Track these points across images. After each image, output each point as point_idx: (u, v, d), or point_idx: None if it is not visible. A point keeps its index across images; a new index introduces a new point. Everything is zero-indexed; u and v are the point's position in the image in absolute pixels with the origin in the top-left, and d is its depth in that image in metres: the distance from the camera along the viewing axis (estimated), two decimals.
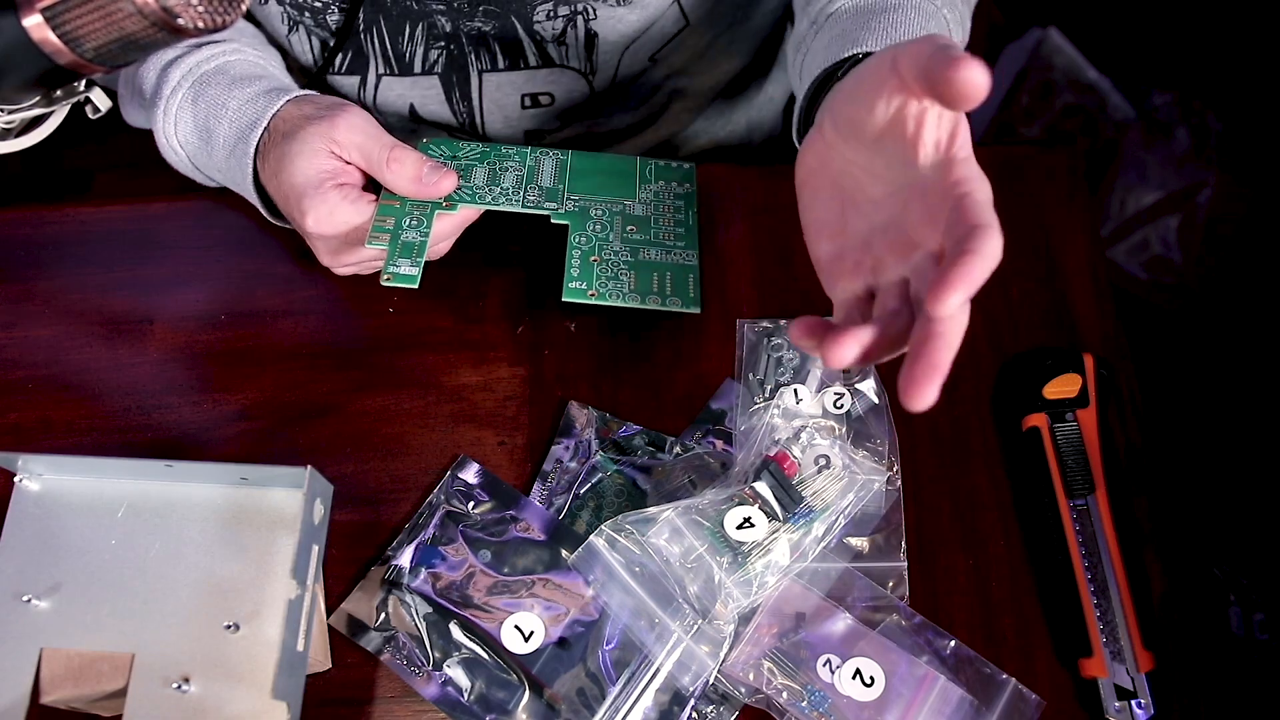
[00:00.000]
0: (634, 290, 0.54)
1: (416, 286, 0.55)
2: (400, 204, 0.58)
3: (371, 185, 0.58)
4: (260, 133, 0.57)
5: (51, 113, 0.52)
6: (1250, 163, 1.26)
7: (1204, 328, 1.24)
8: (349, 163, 0.57)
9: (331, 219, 0.55)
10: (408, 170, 0.56)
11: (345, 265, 0.60)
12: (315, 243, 0.58)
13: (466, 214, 0.59)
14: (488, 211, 0.59)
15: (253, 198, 0.60)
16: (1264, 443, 1.13)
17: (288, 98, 0.59)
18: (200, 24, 0.41)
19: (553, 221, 0.59)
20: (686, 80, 0.76)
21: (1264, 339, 1.19)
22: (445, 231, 0.58)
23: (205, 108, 0.59)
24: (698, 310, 0.57)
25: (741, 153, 0.84)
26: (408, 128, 0.74)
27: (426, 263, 0.56)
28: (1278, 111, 1.25)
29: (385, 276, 0.55)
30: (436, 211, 0.58)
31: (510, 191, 0.59)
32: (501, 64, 0.67)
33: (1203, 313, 1.25)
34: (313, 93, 0.60)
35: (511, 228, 0.64)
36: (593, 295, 0.54)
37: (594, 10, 0.64)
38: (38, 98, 0.49)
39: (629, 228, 0.57)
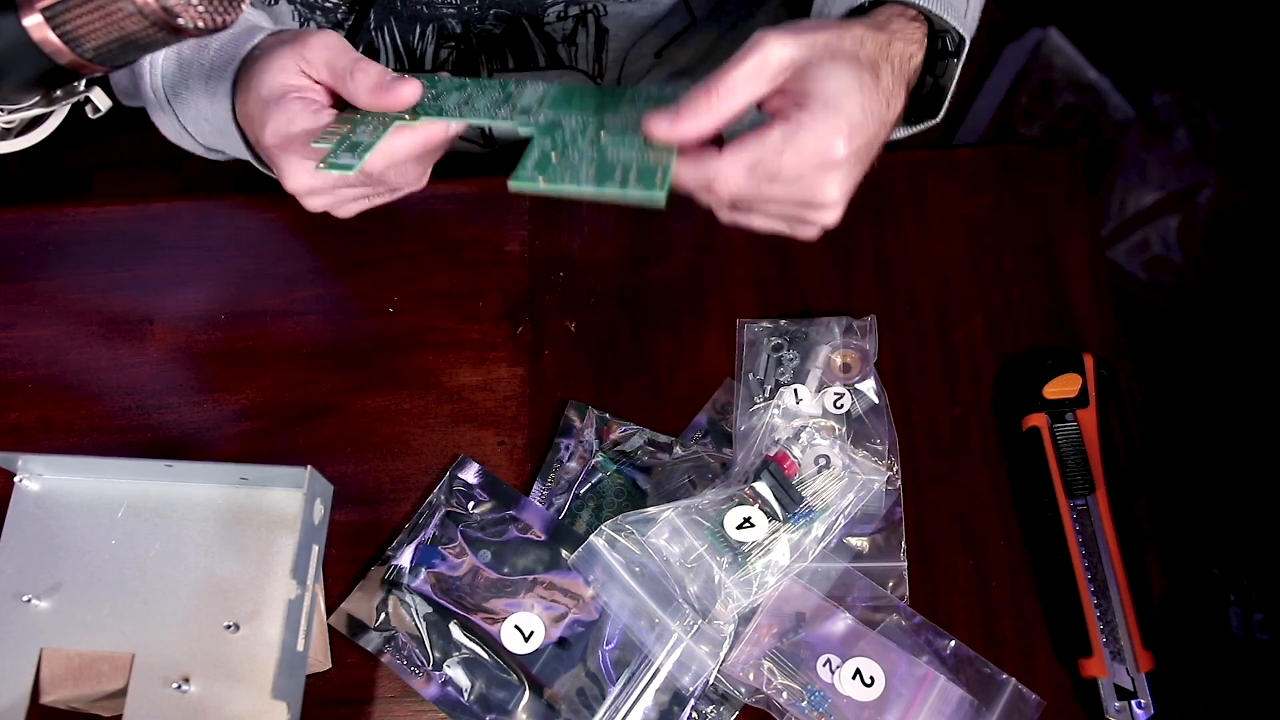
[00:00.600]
0: (591, 180, 0.46)
1: (353, 172, 0.49)
2: (360, 115, 0.53)
3: (339, 107, 0.54)
4: (238, 61, 0.56)
5: (51, 113, 0.52)
6: (1250, 163, 1.26)
7: (1204, 328, 1.24)
8: (317, 82, 0.54)
9: (290, 127, 0.52)
10: (370, 78, 0.52)
11: (315, 195, 0.55)
12: (278, 159, 0.54)
13: (430, 130, 0.53)
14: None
15: (239, 138, 0.58)
16: (1264, 443, 1.13)
17: (264, 32, 0.57)
18: (200, 24, 0.41)
19: (521, 134, 0.51)
20: (690, 79, 0.76)
21: (1264, 339, 1.19)
22: (405, 147, 0.52)
23: (190, 47, 0.58)
24: (660, 196, 0.45)
25: None
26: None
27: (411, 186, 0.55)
28: (1278, 111, 1.25)
29: (320, 165, 0.49)
30: (397, 123, 0.52)
31: (481, 110, 0.53)
32: (511, 64, 0.67)
33: (1203, 313, 1.25)
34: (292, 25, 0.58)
35: (513, 224, 0.64)
36: (544, 182, 0.46)
37: (604, 7, 0.64)
38: (38, 98, 0.49)
39: (602, 133, 0.50)
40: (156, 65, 0.59)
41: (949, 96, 0.56)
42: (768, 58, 0.46)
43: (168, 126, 0.62)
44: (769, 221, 0.50)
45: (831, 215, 0.48)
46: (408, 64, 0.68)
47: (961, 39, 0.53)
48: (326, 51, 0.53)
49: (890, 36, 0.50)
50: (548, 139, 0.50)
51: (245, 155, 0.59)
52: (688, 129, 0.46)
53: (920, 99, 0.56)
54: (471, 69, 0.68)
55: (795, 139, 0.45)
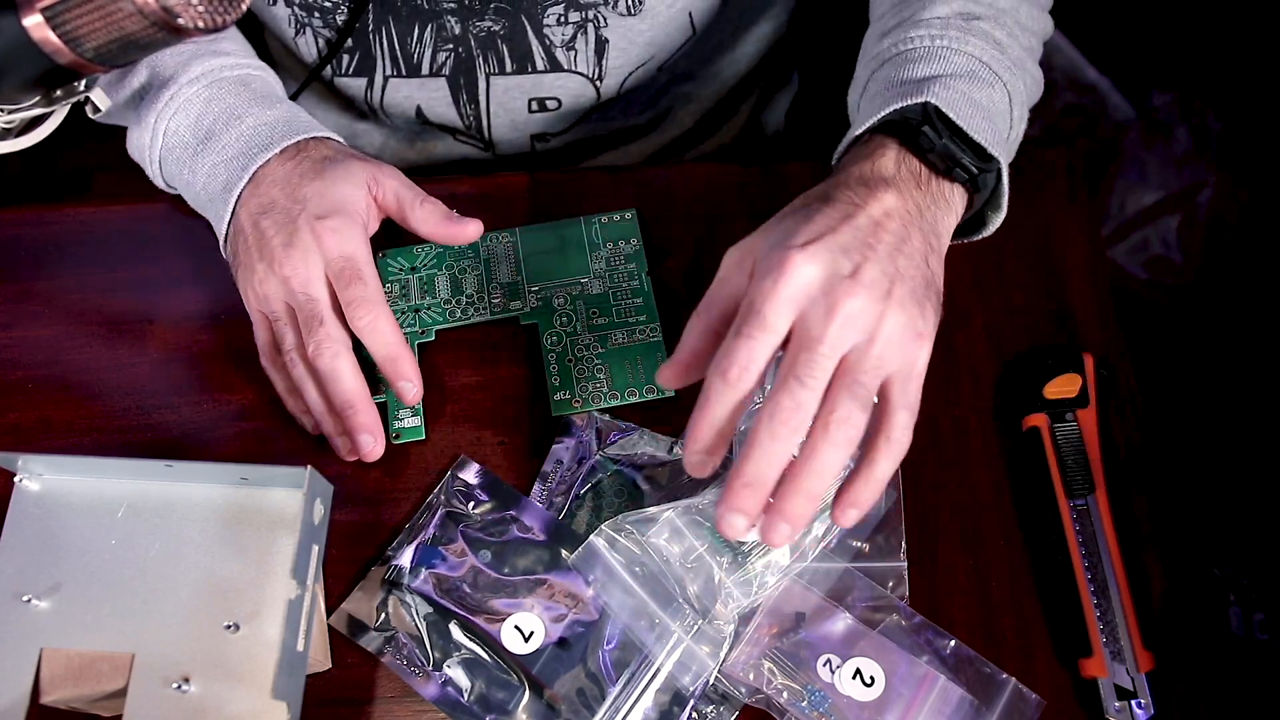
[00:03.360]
0: (613, 388, 0.59)
1: (424, 438, 0.59)
2: None
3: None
4: (282, 146, 0.57)
5: (51, 113, 0.52)
6: (1250, 163, 1.26)
7: (1204, 328, 1.24)
8: (379, 204, 0.58)
9: (340, 240, 0.55)
10: (438, 210, 0.58)
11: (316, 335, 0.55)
12: (289, 259, 0.55)
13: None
14: (492, 194, 0.63)
15: (223, 207, 0.58)
16: (1264, 442, 1.13)
17: (317, 133, 0.59)
18: (200, 24, 0.41)
19: (522, 323, 0.62)
20: (691, 85, 0.76)
21: (1264, 339, 1.19)
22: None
23: (217, 112, 0.59)
24: (671, 392, 0.59)
25: (744, 153, 0.84)
26: (415, 130, 0.74)
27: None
28: (1278, 111, 1.25)
29: (394, 436, 0.59)
30: (417, 343, 0.61)
31: (475, 299, 0.62)
32: (510, 68, 0.67)
33: (1203, 313, 1.25)
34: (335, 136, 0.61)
35: (513, 224, 0.64)
36: (577, 404, 0.59)
37: (605, 18, 0.64)
38: (38, 98, 0.49)
39: (591, 312, 0.61)
40: (164, 127, 0.60)
41: (1005, 190, 0.52)
42: (725, 262, 0.47)
43: (135, 139, 0.62)
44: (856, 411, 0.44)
45: (849, 331, 0.44)
46: (404, 69, 0.68)
47: (924, 107, 0.50)
48: (396, 180, 0.58)
49: (841, 170, 0.50)
50: (551, 333, 0.61)
51: (220, 215, 0.59)
52: (683, 355, 0.48)
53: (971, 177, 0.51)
54: (469, 72, 0.68)
55: (760, 285, 0.44)
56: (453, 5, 0.63)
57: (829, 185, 0.49)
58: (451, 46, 0.66)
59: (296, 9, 0.63)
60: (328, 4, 0.63)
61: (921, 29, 0.55)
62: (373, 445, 0.56)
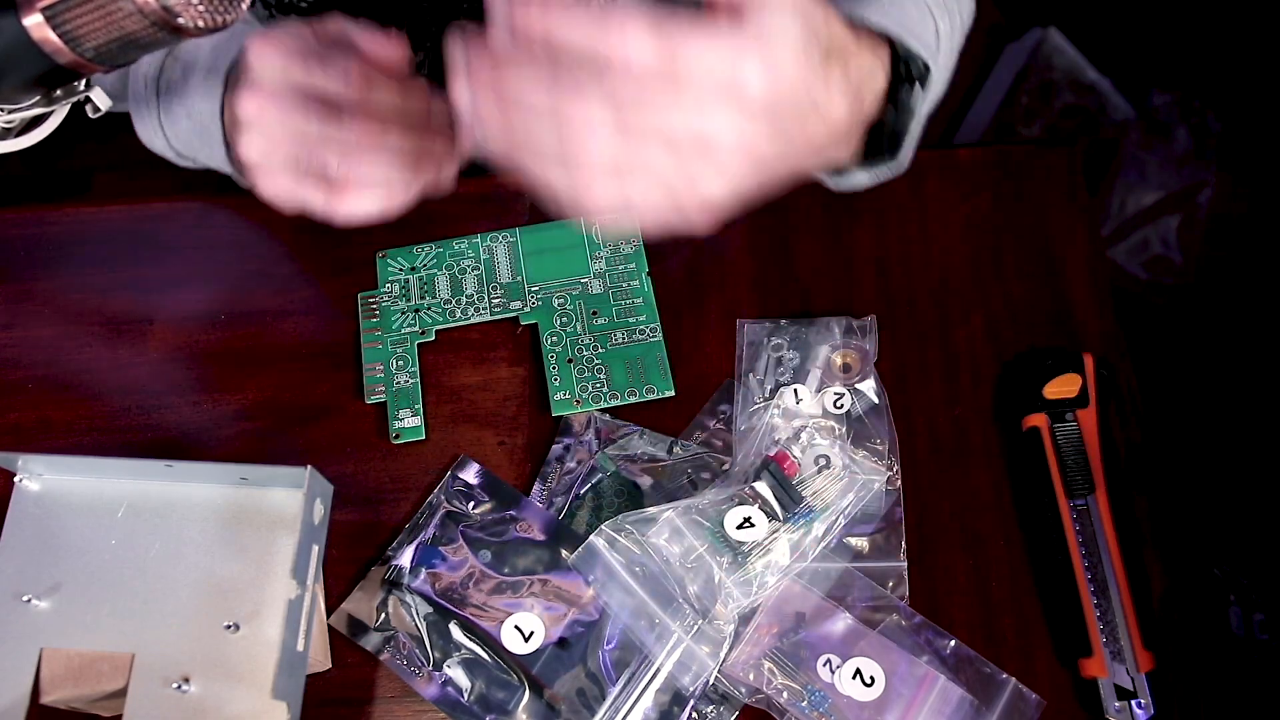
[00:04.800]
0: (612, 388, 0.59)
1: (424, 438, 0.58)
2: (383, 345, 0.61)
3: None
4: (232, 58, 0.54)
5: (51, 113, 0.52)
6: (1250, 163, 1.26)
7: (1204, 328, 1.24)
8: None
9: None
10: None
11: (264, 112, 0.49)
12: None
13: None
14: (491, 194, 0.62)
15: (215, 133, 0.56)
16: (1264, 442, 1.13)
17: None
18: (200, 23, 0.41)
19: (522, 323, 0.61)
20: None
21: (1264, 339, 1.19)
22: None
23: (186, 49, 0.57)
24: (671, 392, 0.59)
25: None
26: None
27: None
28: (1278, 111, 1.25)
29: (393, 436, 0.58)
30: (417, 343, 0.61)
31: (475, 299, 0.62)
32: None
33: (1203, 313, 1.25)
34: None
35: (512, 224, 0.64)
36: (577, 404, 0.59)
37: None
38: (38, 98, 0.49)
39: (591, 312, 0.61)
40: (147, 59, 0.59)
41: (914, 137, 0.50)
42: None
43: (144, 124, 0.61)
44: (650, 160, 0.37)
45: (716, 180, 0.37)
46: None
47: (926, 68, 0.49)
48: (341, 21, 0.50)
49: (858, 39, 0.43)
50: (551, 333, 0.60)
51: (219, 162, 0.58)
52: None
53: (880, 134, 0.48)
54: (443, 74, 0.67)
55: (711, 37, 0.35)
56: (426, 5, 0.63)
57: (841, 38, 0.42)
58: (429, 45, 0.66)
59: (273, 8, 0.63)
60: (303, 4, 0.63)
61: None
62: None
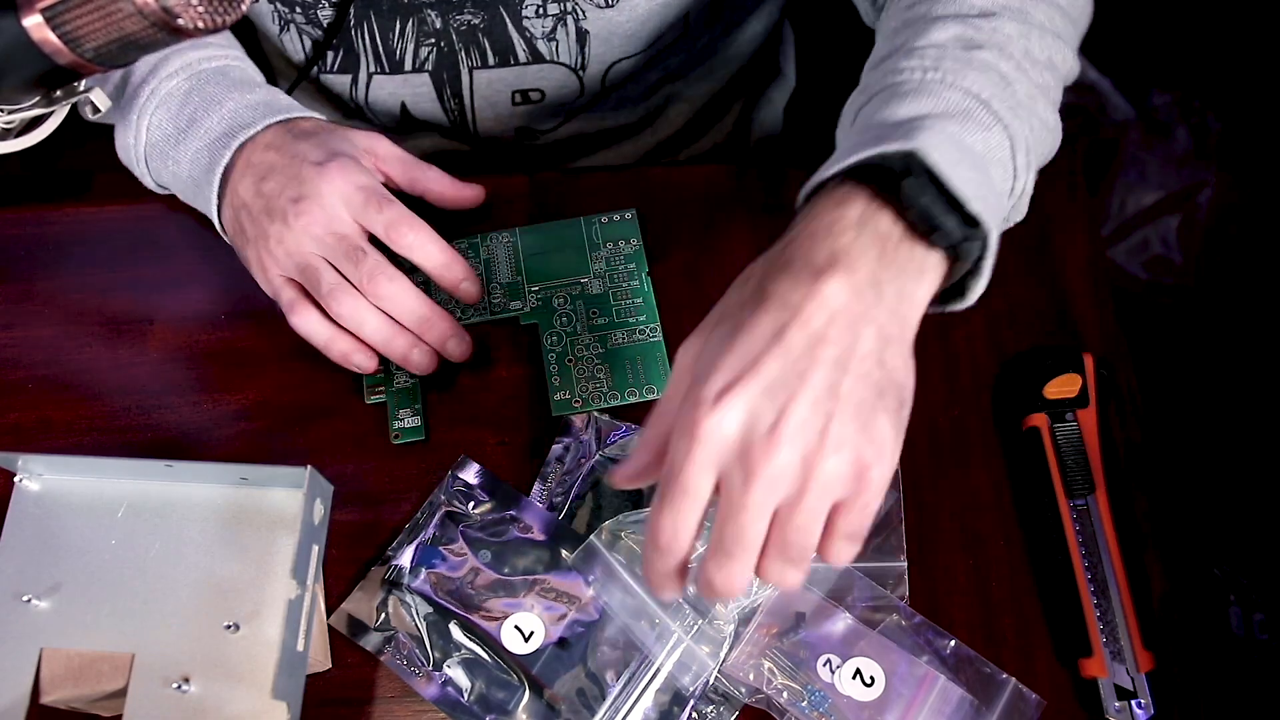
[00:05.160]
0: (612, 388, 0.59)
1: (424, 438, 0.59)
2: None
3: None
4: (266, 124, 0.57)
5: (51, 113, 0.52)
6: (1250, 163, 1.26)
7: (1204, 328, 1.24)
8: (380, 171, 0.59)
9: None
10: (444, 174, 0.60)
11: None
12: (307, 213, 0.54)
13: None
14: (490, 194, 0.63)
15: (208, 188, 0.58)
16: (1264, 442, 1.13)
17: (299, 113, 0.59)
18: (200, 24, 0.41)
19: (522, 323, 0.61)
20: (684, 84, 0.76)
21: (1264, 339, 1.19)
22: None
23: (197, 101, 0.58)
24: None
25: (741, 153, 0.84)
26: (400, 127, 0.74)
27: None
28: (1278, 111, 1.25)
29: (394, 436, 0.59)
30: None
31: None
32: (492, 60, 0.67)
33: (1203, 313, 1.25)
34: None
35: (511, 224, 0.64)
36: (577, 404, 0.59)
37: (583, 10, 0.64)
38: (38, 98, 0.49)
39: (591, 312, 0.61)
40: (145, 122, 0.60)
41: (970, 202, 0.40)
42: (676, 363, 0.41)
43: (121, 140, 0.61)
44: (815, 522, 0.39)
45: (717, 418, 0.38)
46: (387, 66, 0.68)
47: (908, 155, 0.40)
48: (398, 150, 0.60)
49: (795, 229, 0.41)
50: (551, 333, 0.61)
51: (209, 204, 0.59)
52: (639, 458, 0.42)
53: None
54: (451, 66, 0.68)
55: (671, 462, 0.39)
56: (431, 0, 0.63)
57: (778, 253, 0.41)
58: (433, 41, 0.66)
59: (279, 5, 0.63)
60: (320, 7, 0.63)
61: (914, 59, 0.47)
62: (462, 345, 0.57)
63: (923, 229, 0.40)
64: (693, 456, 0.38)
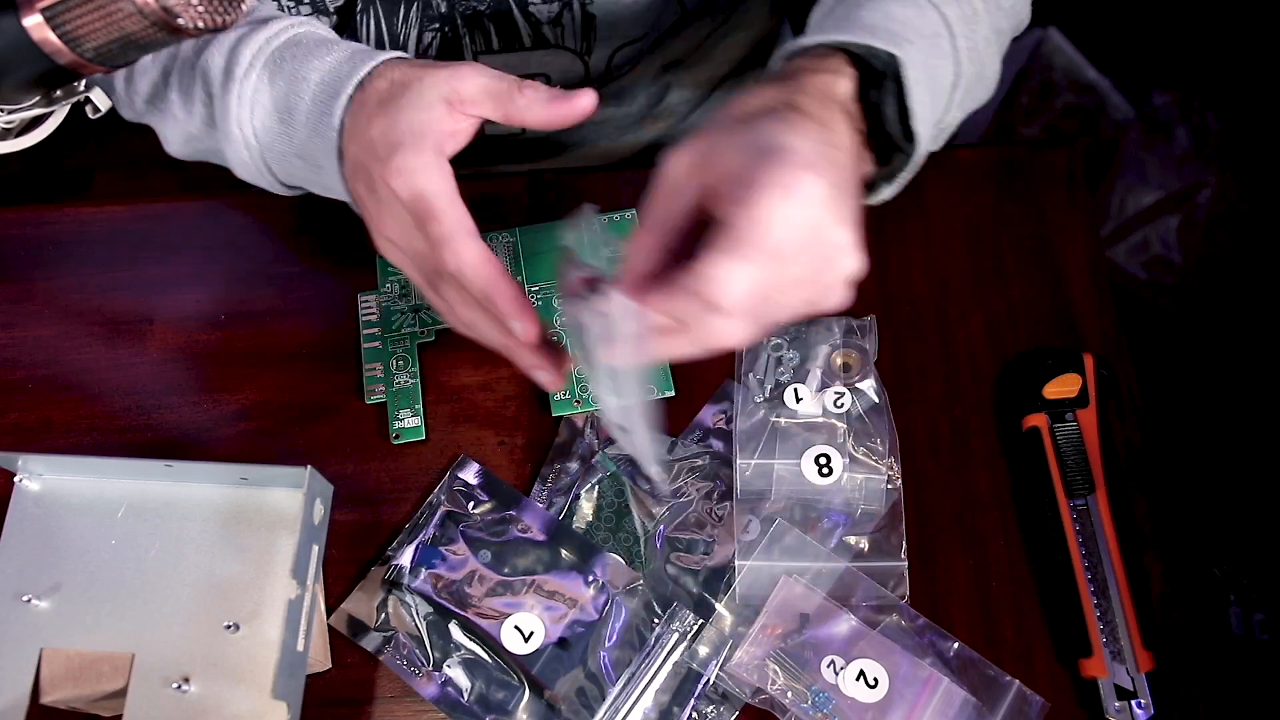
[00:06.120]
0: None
1: (424, 438, 0.58)
2: (383, 345, 0.61)
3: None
4: (350, 91, 0.51)
5: (51, 113, 0.52)
6: (1250, 163, 1.26)
7: (1204, 328, 1.24)
8: (466, 116, 0.51)
9: (408, 180, 0.48)
10: (541, 93, 0.50)
11: (433, 288, 0.52)
12: (384, 220, 0.50)
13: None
14: (490, 193, 0.62)
15: (336, 180, 0.53)
16: (1264, 442, 1.13)
17: (387, 56, 0.53)
18: (200, 24, 0.41)
19: None
20: (685, 72, 0.76)
21: (1264, 339, 1.19)
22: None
23: (285, 83, 0.53)
24: (671, 392, 0.59)
25: None
26: None
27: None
28: (1278, 111, 1.25)
29: (394, 436, 0.58)
30: (417, 343, 0.61)
31: None
32: (496, 45, 0.67)
33: (1203, 313, 1.25)
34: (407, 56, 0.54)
35: (512, 224, 0.64)
36: (577, 404, 0.59)
37: None
38: (38, 98, 0.49)
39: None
40: (247, 118, 0.55)
41: (916, 121, 0.48)
42: (667, 169, 0.43)
43: (234, 156, 0.57)
44: (791, 310, 0.43)
45: (853, 262, 0.41)
46: None
47: (892, 57, 0.47)
48: (483, 76, 0.50)
49: (796, 78, 0.45)
50: (551, 332, 0.55)
51: (342, 195, 0.54)
52: (639, 272, 0.43)
53: (882, 143, 0.50)
54: (456, 53, 0.68)
55: (760, 201, 0.39)
56: None
57: (789, 90, 0.44)
58: (437, 26, 0.66)
59: (284, 0, 0.63)
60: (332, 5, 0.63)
61: None
62: (551, 378, 0.52)
63: (874, 134, 0.48)
64: (788, 210, 0.39)
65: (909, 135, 0.49)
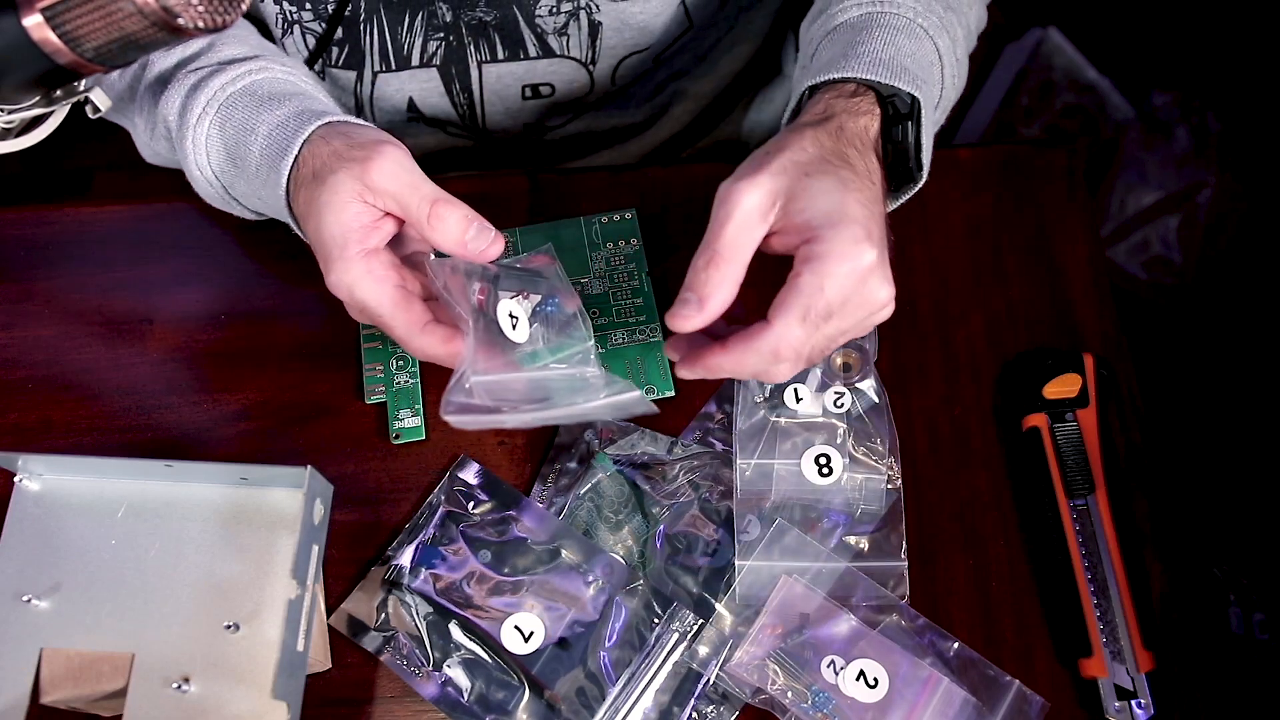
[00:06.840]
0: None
1: (424, 438, 0.58)
2: (383, 345, 0.60)
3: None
4: (290, 161, 0.52)
5: (51, 113, 0.52)
6: (1250, 163, 1.26)
7: (1204, 328, 1.24)
8: (385, 213, 0.50)
9: (352, 293, 0.50)
10: (451, 229, 0.49)
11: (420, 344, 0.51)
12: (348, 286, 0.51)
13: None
14: (490, 193, 0.59)
15: (294, 226, 0.55)
16: (1264, 442, 1.13)
17: (317, 123, 0.53)
18: (200, 24, 0.41)
19: None
20: (689, 82, 0.76)
21: (1264, 339, 1.19)
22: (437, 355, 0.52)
23: (234, 132, 0.55)
24: (671, 392, 0.59)
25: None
26: (406, 121, 0.74)
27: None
28: (1278, 111, 1.25)
29: (394, 436, 0.58)
30: None
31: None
32: (501, 54, 0.67)
33: (1203, 313, 1.25)
34: (346, 119, 0.54)
35: (511, 223, 0.64)
36: None
37: (597, 4, 0.64)
38: (38, 98, 0.49)
39: (592, 312, 0.60)
40: (204, 162, 0.57)
41: (925, 154, 0.54)
42: (745, 205, 0.47)
43: (202, 190, 0.59)
44: (835, 347, 0.51)
45: (889, 309, 0.49)
46: (394, 63, 0.67)
47: (913, 99, 0.53)
48: (392, 184, 0.49)
49: (839, 121, 0.51)
50: None
51: (301, 236, 0.55)
52: (715, 307, 0.48)
53: (892, 166, 0.55)
54: (460, 61, 0.68)
55: (827, 270, 0.46)
56: None
57: (834, 141, 0.50)
58: (442, 35, 0.66)
59: (285, 5, 0.63)
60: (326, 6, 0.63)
61: None
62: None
63: (894, 164, 0.54)
64: (864, 294, 0.47)
65: (918, 164, 0.54)
